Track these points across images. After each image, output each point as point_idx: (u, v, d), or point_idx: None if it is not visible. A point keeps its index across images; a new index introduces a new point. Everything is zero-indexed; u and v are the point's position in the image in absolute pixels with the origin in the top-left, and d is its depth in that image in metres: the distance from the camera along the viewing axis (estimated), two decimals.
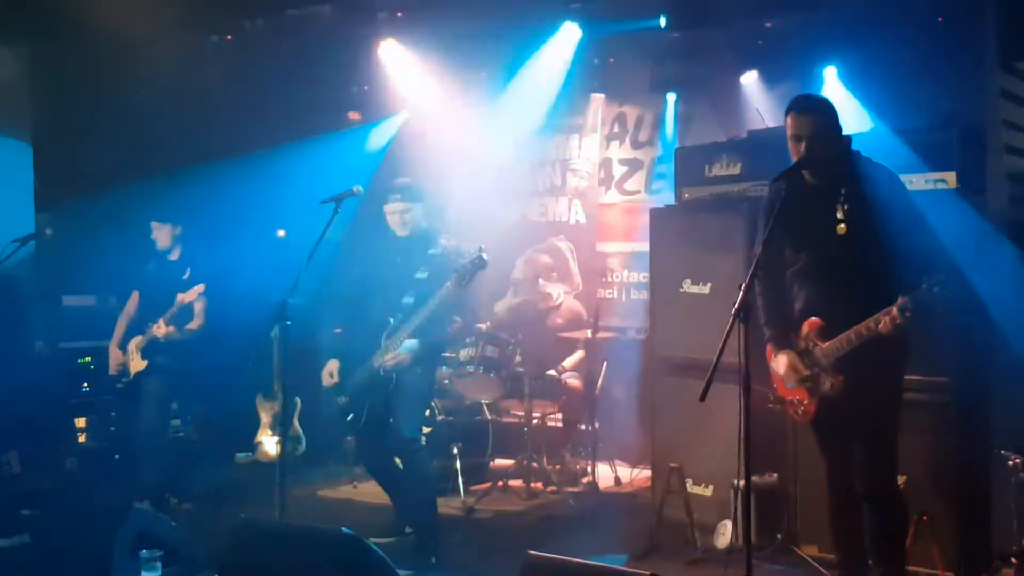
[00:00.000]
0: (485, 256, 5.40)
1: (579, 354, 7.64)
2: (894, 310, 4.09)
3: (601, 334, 7.31)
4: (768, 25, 7.22)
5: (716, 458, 5.85)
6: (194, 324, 6.59)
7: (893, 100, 6.24)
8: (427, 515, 5.70)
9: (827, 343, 4.34)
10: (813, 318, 4.41)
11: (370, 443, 5.90)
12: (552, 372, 7.37)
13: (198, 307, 6.56)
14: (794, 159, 4.39)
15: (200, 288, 6.42)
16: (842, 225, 4.32)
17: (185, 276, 6.57)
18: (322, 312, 8.06)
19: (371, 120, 8.92)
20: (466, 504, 6.74)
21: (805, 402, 4.46)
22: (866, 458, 4.37)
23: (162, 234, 6.74)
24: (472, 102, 8.38)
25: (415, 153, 8.57)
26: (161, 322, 6.43)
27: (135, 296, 6.92)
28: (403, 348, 5.51)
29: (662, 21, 7.31)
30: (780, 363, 4.48)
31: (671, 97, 8.08)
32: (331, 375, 5.79)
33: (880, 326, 4.14)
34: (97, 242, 7.68)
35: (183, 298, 6.40)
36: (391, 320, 5.63)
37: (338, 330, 5.93)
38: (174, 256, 6.74)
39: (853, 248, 4.31)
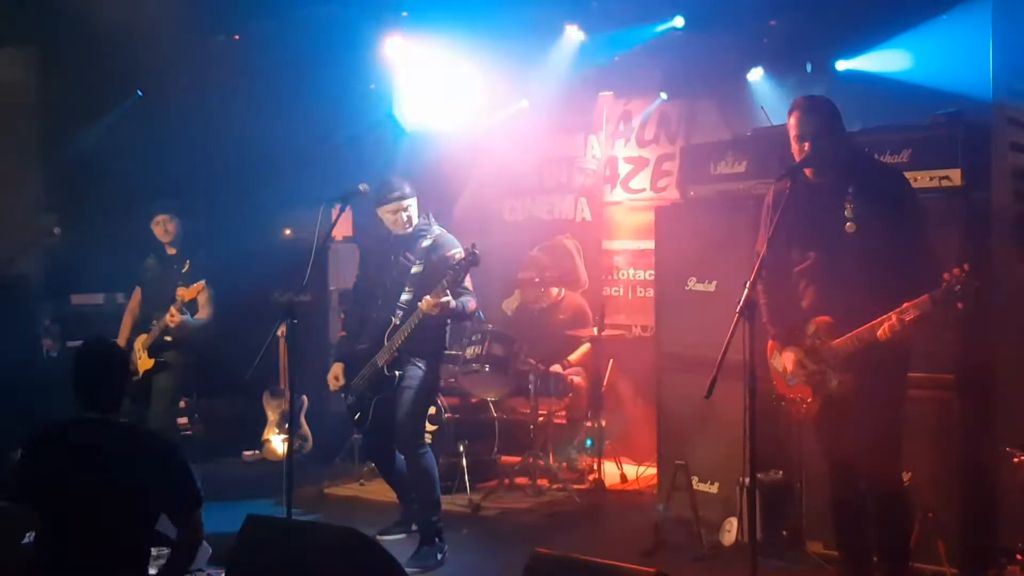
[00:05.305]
0: (477, 252, 5.42)
1: (584, 347, 7.65)
2: (893, 317, 4.11)
3: (607, 332, 7.32)
4: (773, 23, 7.22)
5: (722, 455, 5.86)
6: (201, 315, 6.60)
7: (898, 97, 6.24)
8: (433, 513, 5.72)
9: (836, 341, 4.34)
10: (822, 316, 4.42)
11: (377, 441, 5.93)
12: (557, 367, 7.38)
13: (202, 299, 6.57)
14: (797, 159, 4.41)
15: (199, 285, 6.42)
16: (850, 224, 4.34)
17: (184, 269, 6.58)
18: (328, 311, 8.12)
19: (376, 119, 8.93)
20: (472, 501, 6.76)
21: (808, 400, 4.47)
22: (870, 455, 4.38)
23: (161, 228, 6.75)
24: (476, 101, 8.38)
25: (421, 153, 8.60)
26: (173, 310, 6.41)
27: (138, 292, 6.93)
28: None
29: (679, 21, 7.35)
30: (787, 359, 4.49)
31: (665, 95, 8.10)
32: (336, 379, 5.82)
33: (879, 333, 4.16)
34: (105, 241, 7.71)
35: (183, 294, 6.41)
36: (392, 318, 5.65)
37: (342, 333, 5.93)
38: (172, 251, 6.76)
39: (861, 246, 4.32)
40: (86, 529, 3.82)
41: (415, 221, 5.76)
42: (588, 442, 7.29)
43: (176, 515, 4.00)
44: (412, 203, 5.74)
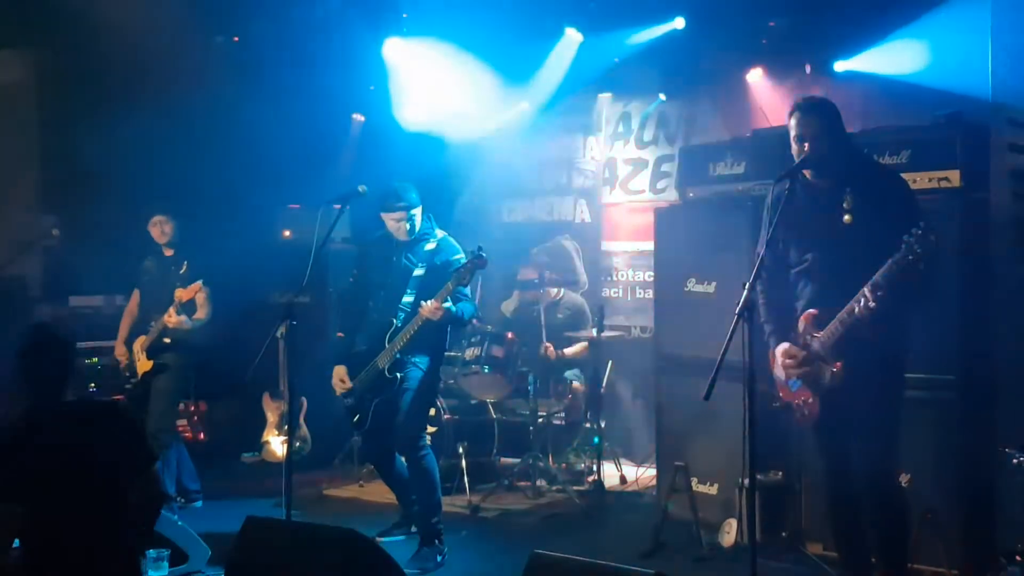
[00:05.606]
0: (484, 255, 5.43)
1: (581, 344, 7.64)
2: (865, 290, 4.12)
3: (606, 333, 7.32)
4: (772, 23, 7.23)
5: (721, 456, 5.86)
6: (200, 314, 6.60)
7: (897, 97, 6.24)
8: (432, 514, 5.72)
9: (822, 332, 4.36)
10: (809, 310, 4.43)
11: (376, 443, 5.93)
12: (550, 346, 7.36)
13: (200, 299, 6.57)
14: (796, 160, 4.42)
15: (196, 285, 6.42)
16: (848, 216, 4.35)
17: (182, 271, 6.57)
18: (328, 312, 8.10)
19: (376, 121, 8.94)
20: (472, 503, 6.76)
21: (809, 401, 4.47)
22: (868, 454, 4.38)
23: (158, 229, 6.74)
24: (475, 103, 8.38)
25: (421, 154, 8.60)
26: (172, 311, 6.41)
27: (136, 295, 6.92)
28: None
29: (679, 22, 7.38)
30: (779, 354, 4.50)
31: (664, 96, 8.11)
32: (342, 381, 5.81)
33: (856, 311, 4.17)
34: (104, 242, 7.70)
35: (181, 295, 6.40)
36: (393, 320, 5.66)
37: (340, 335, 5.93)
38: (170, 252, 6.75)
39: (858, 241, 4.32)
40: (67, 519, 3.80)
41: (418, 229, 5.77)
42: (595, 440, 7.27)
43: (132, 475, 3.96)
44: (416, 212, 5.75)
